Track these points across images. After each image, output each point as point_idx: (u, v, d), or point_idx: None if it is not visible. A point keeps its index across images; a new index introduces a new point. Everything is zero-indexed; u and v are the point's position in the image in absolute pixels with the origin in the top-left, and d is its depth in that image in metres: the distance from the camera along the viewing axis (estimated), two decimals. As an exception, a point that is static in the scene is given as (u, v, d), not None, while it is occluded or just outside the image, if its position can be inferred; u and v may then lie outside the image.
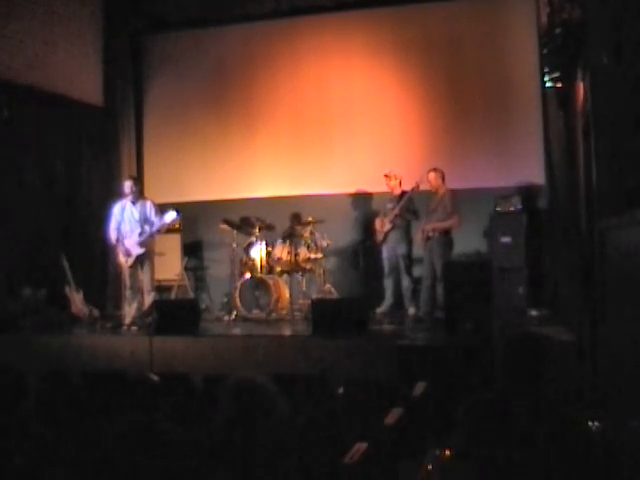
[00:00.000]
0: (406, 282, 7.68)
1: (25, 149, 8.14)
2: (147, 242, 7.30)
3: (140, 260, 7.28)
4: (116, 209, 7.33)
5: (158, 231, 7.39)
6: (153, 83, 9.72)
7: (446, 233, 7.29)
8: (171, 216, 7.20)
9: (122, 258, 7.28)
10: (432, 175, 7.40)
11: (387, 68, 8.80)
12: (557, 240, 7.41)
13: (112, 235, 7.29)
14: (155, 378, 3.24)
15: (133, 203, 7.30)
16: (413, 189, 7.60)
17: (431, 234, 7.27)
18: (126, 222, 7.27)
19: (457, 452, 2.22)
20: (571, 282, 6.37)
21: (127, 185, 7.32)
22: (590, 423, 2.61)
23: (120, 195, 7.55)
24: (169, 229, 7.98)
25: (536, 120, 8.07)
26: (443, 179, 7.42)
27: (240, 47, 9.31)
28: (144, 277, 7.32)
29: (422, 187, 7.54)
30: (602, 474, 2.26)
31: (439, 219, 7.28)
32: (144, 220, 7.28)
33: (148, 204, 7.37)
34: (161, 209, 7.55)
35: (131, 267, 7.26)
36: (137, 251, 7.23)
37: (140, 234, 7.22)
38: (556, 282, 7.36)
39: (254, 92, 9.18)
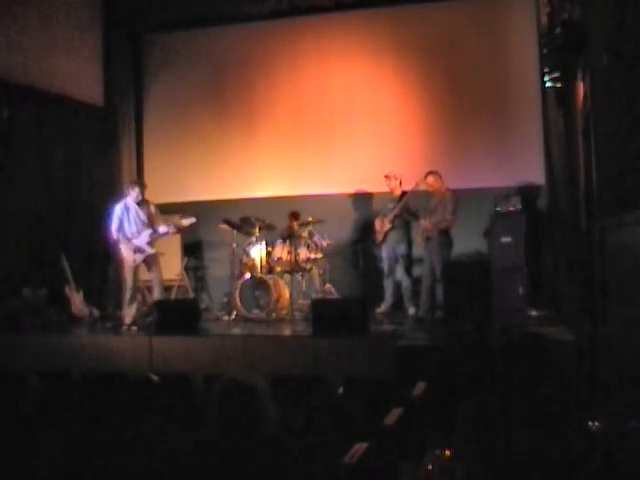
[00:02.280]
0: (406, 282, 7.68)
1: (25, 149, 8.14)
2: (155, 242, 7.40)
3: (148, 260, 7.32)
4: (118, 209, 7.33)
5: (174, 232, 7.56)
6: (153, 83, 9.73)
7: (445, 233, 7.29)
8: (189, 220, 7.38)
9: (128, 258, 7.29)
10: (431, 178, 7.39)
11: (387, 68, 8.80)
12: (557, 240, 7.41)
13: (115, 235, 7.30)
14: (155, 378, 3.24)
15: (138, 204, 7.34)
16: (413, 189, 7.60)
17: (430, 234, 7.27)
18: (132, 223, 7.30)
19: (457, 452, 2.22)
20: (571, 282, 6.37)
21: (136, 191, 7.32)
22: (590, 423, 2.61)
23: (121, 196, 7.57)
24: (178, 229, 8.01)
25: (536, 120, 8.07)
26: (442, 180, 7.42)
27: (240, 47, 9.31)
28: (154, 277, 7.38)
29: (422, 187, 7.53)
30: (602, 474, 2.25)
31: (438, 220, 7.29)
32: (150, 221, 7.34)
33: (152, 206, 7.46)
34: (161, 210, 7.60)
35: (137, 267, 7.29)
36: (148, 251, 7.29)
37: (151, 234, 7.27)
38: (556, 282, 7.36)
39: (254, 92, 9.19)
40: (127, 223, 7.28)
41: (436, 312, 7.19)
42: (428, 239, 7.31)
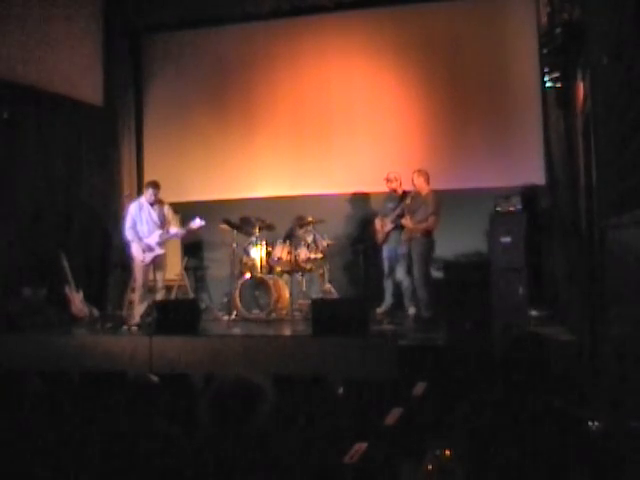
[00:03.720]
0: (406, 282, 7.66)
1: (25, 149, 8.14)
2: (165, 243, 7.46)
3: (157, 260, 7.37)
4: (133, 208, 7.44)
5: (182, 234, 7.60)
6: (153, 83, 9.73)
7: (427, 234, 7.32)
8: (197, 222, 7.37)
9: (138, 256, 7.33)
10: (415, 177, 7.45)
11: (387, 68, 8.80)
12: (557, 240, 7.41)
13: (128, 234, 7.38)
14: (155, 378, 3.24)
15: (151, 205, 7.40)
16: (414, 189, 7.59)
17: (412, 234, 7.30)
18: (143, 222, 7.37)
19: (457, 452, 2.22)
20: (571, 282, 6.37)
21: (150, 192, 7.38)
22: (590, 423, 2.60)
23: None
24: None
25: (536, 120, 8.07)
26: (427, 180, 7.44)
27: (240, 47, 9.31)
28: (158, 276, 7.43)
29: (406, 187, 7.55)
30: (602, 474, 2.25)
31: (419, 219, 7.30)
32: (162, 222, 7.40)
33: (166, 207, 7.51)
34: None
35: (146, 266, 7.32)
36: (158, 251, 7.35)
37: (161, 235, 7.32)
38: (556, 282, 7.36)
39: (254, 92, 9.18)
40: (140, 222, 7.37)
41: (433, 312, 7.19)
42: (411, 240, 7.34)
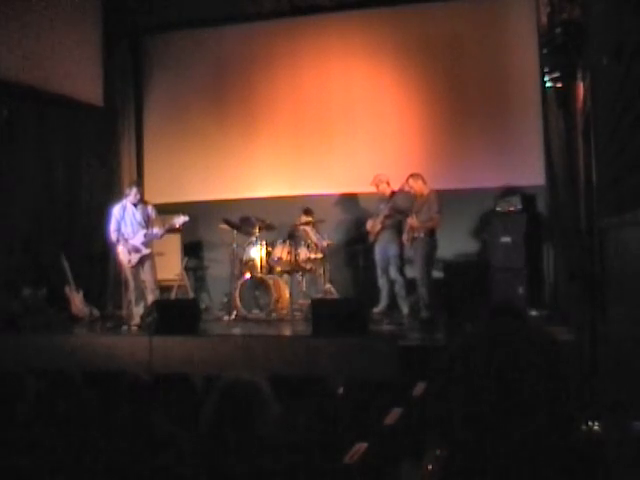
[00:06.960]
0: (399, 282, 7.65)
1: (25, 149, 8.14)
2: (151, 243, 7.40)
3: (144, 261, 7.34)
4: (116, 210, 7.39)
5: (165, 232, 7.51)
6: (153, 83, 9.73)
7: (432, 234, 7.31)
8: (181, 219, 7.33)
9: (124, 258, 7.31)
10: (411, 181, 7.40)
11: (387, 68, 8.80)
12: (557, 240, 7.41)
13: (113, 236, 7.35)
14: (146, 378, 3.23)
15: (134, 205, 7.35)
16: (400, 189, 7.57)
17: (417, 234, 7.30)
18: (127, 223, 7.33)
19: (456, 452, 2.22)
20: (571, 282, 6.37)
21: (134, 192, 7.36)
22: (590, 423, 2.60)
23: (121, 197, 7.63)
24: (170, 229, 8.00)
25: (536, 120, 8.07)
26: (424, 181, 7.42)
27: (240, 47, 9.31)
28: (147, 277, 7.38)
29: (406, 188, 7.50)
30: (602, 474, 2.25)
31: (424, 219, 7.30)
32: (146, 222, 7.35)
33: (149, 207, 7.47)
34: (161, 210, 7.61)
35: (133, 267, 7.30)
36: (143, 251, 7.30)
37: (145, 235, 7.28)
38: (556, 282, 7.36)
39: (254, 92, 9.19)
40: (124, 224, 7.32)
41: (425, 311, 7.19)
42: (414, 239, 7.33)
